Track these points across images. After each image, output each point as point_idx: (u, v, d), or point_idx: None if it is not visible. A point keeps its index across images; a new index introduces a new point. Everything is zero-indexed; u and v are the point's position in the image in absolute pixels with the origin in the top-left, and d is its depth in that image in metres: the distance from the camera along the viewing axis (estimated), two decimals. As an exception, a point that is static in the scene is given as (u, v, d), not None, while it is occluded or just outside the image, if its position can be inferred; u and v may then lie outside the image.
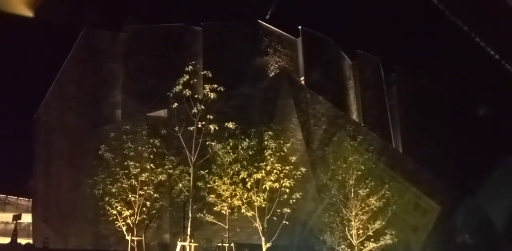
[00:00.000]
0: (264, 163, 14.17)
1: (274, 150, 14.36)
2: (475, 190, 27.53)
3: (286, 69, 27.05)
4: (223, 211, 14.35)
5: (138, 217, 14.47)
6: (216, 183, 14.23)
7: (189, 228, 12.82)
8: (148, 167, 14.59)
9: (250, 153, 14.33)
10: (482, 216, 27.58)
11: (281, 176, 14.07)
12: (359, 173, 16.59)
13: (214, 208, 14.48)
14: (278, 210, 14.01)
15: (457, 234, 27.21)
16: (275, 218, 14.08)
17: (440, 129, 31.61)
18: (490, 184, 27.07)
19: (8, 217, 35.44)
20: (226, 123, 13.38)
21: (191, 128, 12.93)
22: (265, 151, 14.35)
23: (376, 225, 16.20)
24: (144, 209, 14.64)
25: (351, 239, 16.31)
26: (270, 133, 14.66)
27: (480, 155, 29.78)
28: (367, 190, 16.42)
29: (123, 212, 14.31)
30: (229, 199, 14.22)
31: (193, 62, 13.39)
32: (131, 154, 14.64)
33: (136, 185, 14.49)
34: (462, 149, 30.15)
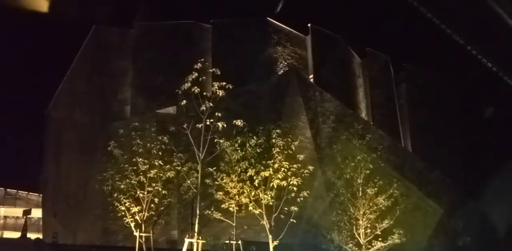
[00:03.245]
0: (272, 161, 14.15)
1: (282, 147, 14.33)
2: (481, 191, 27.25)
3: (295, 66, 26.97)
4: (230, 208, 14.36)
5: (146, 214, 14.55)
6: (224, 180, 14.24)
7: (197, 225, 12.87)
8: (156, 163, 14.65)
9: (258, 150, 14.31)
10: (485, 218, 27.28)
11: (289, 174, 14.04)
12: (368, 171, 16.48)
13: (222, 205, 14.49)
14: (286, 208, 14.00)
15: (459, 237, 26.91)
16: (282, 216, 14.07)
17: (449, 128, 31.35)
18: (496, 185, 26.78)
19: (18, 211, 35.90)
20: (234, 121, 13.39)
21: (200, 125, 12.96)
22: (273, 149, 14.32)
23: (384, 224, 16.12)
24: (152, 205, 14.71)
25: (358, 238, 16.24)
26: (278, 130, 14.63)
27: (489, 154, 29.48)
28: (375, 189, 16.31)
29: (131, 208, 14.40)
30: (236, 196, 14.22)
31: (202, 59, 13.42)
32: (139, 150, 14.72)
33: (145, 182, 14.57)
34: (471, 148, 29.88)
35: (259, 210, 14.06)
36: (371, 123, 28.66)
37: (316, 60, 27.85)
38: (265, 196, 14.02)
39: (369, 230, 16.19)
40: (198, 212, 12.92)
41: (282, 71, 26.59)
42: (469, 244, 26.15)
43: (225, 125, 12.97)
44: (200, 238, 12.85)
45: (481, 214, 27.13)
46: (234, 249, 14.84)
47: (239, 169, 14.17)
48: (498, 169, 27.86)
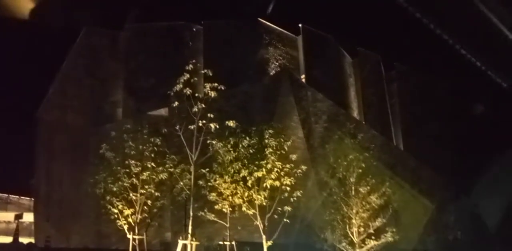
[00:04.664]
0: (265, 161, 14.18)
1: (274, 148, 14.37)
2: (472, 187, 27.59)
3: (287, 67, 27.04)
4: (224, 209, 14.37)
5: (139, 216, 14.51)
6: (217, 182, 14.24)
7: (190, 227, 12.85)
8: (149, 165, 14.62)
9: (251, 151, 14.33)
10: (474, 214, 27.61)
11: (282, 174, 14.08)
12: (360, 170, 16.57)
13: (215, 207, 14.49)
14: (279, 208, 14.03)
15: (450, 231, 27.21)
16: (276, 216, 14.10)
17: (440, 126, 31.61)
18: (486, 182, 27.12)
19: (10, 216, 35.54)
20: (227, 122, 13.41)
21: (192, 127, 12.96)
22: (266, 149, 14.36)
23: (376, 222, 16.22)
24: (145, 207, 14.68)
25: (352, 237, 16.32)
26: (270, 131, 14.67)
27: (480, 152, 29.78)
28: (368, 187, 16.41)
29: (124, 211, 14.36)
30: (230, 197, 14.23)
31: (194, 61, 13.42)
32: (132, 152, 14.68)
33: (137, 184, 14.53)
34: (462, 145, 30.16)
35: (253, 210, 14.08)
36: (363, 122, 28.82)
37: (307, 61, 27.95)
38: (259, 197, 14.05)
39: (362, 229, 16.28)
40: (191, 213, 12.90)
41: (274, 71, 26.65)
42: (460, 239, 26.46)
43: (217, 126, 12.99)
44: (193, 239, 12.84)
45: (472, 211, 27.45)
46: (228, 250, 14.83)
47: (232, 170, 14.19)
48: (489, 166, 28.20)
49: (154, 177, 14.66)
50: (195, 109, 12.90)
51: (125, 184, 14.45)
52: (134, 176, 14.54)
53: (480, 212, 27.76)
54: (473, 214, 27.39)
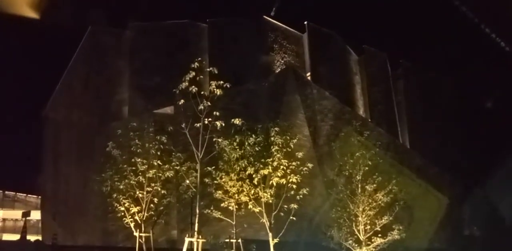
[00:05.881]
0: (271, 159, 14.17)
1: (280, 145, 14.36)
2: (482, 184, 27.48)
3: (292, 65, 26.96)
4: (230, 207, 14.39)
5: (145, 214, 14.53)
6: (223, 179, 14.26)
7: (196, 224, 12.88)
8: (155, 163, 14.63)
9: (257, 149, 14.33)
10: (490, 208, 27.53)
11: (288, 171, 14.07)
12: (366, 168, 16.54)
13: (221, 204, 14.52)
14: (285, 206, 14.02)
15: (465, 227, 27.17)
16: (282, 214, 14.10)
17: (447, 124, 31.44)
18: (497, 177, 26.98)
19: (17, 214, 35.82)
20: (233, 120, 13.39)
21: (198, 125, 12.96)
22: (272, 147, 14.35)
23: (383, 220, 16.18)
24: (151, 205, 14.69)
25: (358, 235, 16.30)
26: (276, 128, 14.66)
27: (487, 149, 29.63)
28: (374, 185, 16.38)
29: (131, 209, 14.39)
30: (236, 195, 14.25)
31: (199, 59, 13.40)
32: (138, 150, 14.69)
33: (144, 182, 14.54)
34: (469, 143, 30.01)
35: (259, 208, 14.09)
36: (369, 120, 28.70)
37: (313, 58, 27.83)
38: (265, 194, 14.05)
39: (368, 227, 16.25)
40: (197, 211, 12.92)
41: (279, 69, 26.57)
42: (476, 234, 26.44)
43: (223, 124, 12.97)
44: (200, 237, 12.86)
45: (488, 206, 27.38)
46: (234, 248, 14.85)
47: (238, 168, 14.20)
48: (496, 163, 28.05)
49: (160, 175, 14.67)
50: (201, 107, 12.89)
51: (131, 182, 14.47)
52: (140, 174, 14.55)
53: (497, 207, 27.69)
54: (489, 209, 27.32)
